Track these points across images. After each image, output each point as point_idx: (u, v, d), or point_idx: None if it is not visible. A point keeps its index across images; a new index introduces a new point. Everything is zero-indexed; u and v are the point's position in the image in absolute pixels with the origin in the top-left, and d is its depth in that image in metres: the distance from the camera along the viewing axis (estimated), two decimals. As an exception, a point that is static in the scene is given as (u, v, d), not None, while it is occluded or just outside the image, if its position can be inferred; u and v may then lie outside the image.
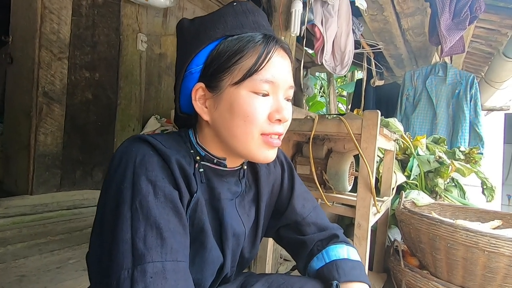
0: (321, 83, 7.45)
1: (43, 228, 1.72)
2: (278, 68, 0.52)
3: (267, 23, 0.57)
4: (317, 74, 6.47)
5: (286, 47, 0.55)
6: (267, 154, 0.54)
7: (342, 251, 0.63)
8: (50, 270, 1.34)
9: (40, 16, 1.83)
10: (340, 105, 7.79)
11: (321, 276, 0.61)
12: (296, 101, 4.52)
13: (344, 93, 7.52)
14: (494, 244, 0.99)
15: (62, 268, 1.36)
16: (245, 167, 0.62)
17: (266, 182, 0.66)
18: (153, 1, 2.18)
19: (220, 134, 0.54)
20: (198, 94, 0.53)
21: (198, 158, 0.55)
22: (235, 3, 0.55)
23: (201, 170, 0.55)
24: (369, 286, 0.60)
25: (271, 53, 0.51)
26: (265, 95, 0.51)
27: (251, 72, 0.50)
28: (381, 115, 1.89)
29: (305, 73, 4.51)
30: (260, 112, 0.51)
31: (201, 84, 0.53)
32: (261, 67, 0.50)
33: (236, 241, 0.59)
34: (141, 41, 2.38)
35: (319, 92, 7.54)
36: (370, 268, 1.62)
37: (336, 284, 0.56)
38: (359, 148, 1.03)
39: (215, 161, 0.56)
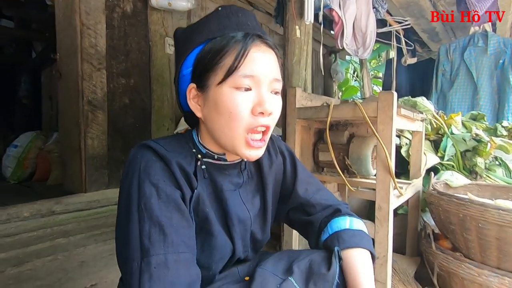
0: (354, 67, 7.14)
1: (96, 222, 1.95)
2: (258, 62, 0.55)
3: (252, 22, 0.60)
4: (348, 58, 6.22)
5: (268, 42, 0.58)
6: (250, 153, 0.57)
7: (344, 222, 0.66)
8: (104, 257, 1.53)
9: (79, 33, 2.04)
10: (376, 87, 7.41)
11: (325, 247, 0.65)
12: (326, 88, 4.40)
13: (380, 74, 7.13)
14: (530, 222, 0.93)
15: (113, 255, 1.53)
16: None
17: (269, 171, 0.71)
18: (175, 5, 2.30)
19: (210, 130, 0.59)
20: (192, 94, 0.59)
21: (199, 156, 0.61)
22: (220, 8, 0.59)
23: (203, 167, 0.61)
24: (371, 251, 0.62)
25: (248, 49, 0.54)
26: (247, 89, 0.55)
27: (231, 70, 0.53)
28: (410, 95, 1.81)
29: (334, 58, 4.37)
30: (243, 107, 0.54)
31: (193, 85, 0.59)
32: (240, 64, 0.53)
33: (243, 226, 0.65)
34: (169, 44, 2.52)
35: (352, 77, 7.24)
36: (403, 253, 1.59)
37: (337, 250, 0.59)
38: (374, 131, 1.02)
39: (215, 157, 0.62)
